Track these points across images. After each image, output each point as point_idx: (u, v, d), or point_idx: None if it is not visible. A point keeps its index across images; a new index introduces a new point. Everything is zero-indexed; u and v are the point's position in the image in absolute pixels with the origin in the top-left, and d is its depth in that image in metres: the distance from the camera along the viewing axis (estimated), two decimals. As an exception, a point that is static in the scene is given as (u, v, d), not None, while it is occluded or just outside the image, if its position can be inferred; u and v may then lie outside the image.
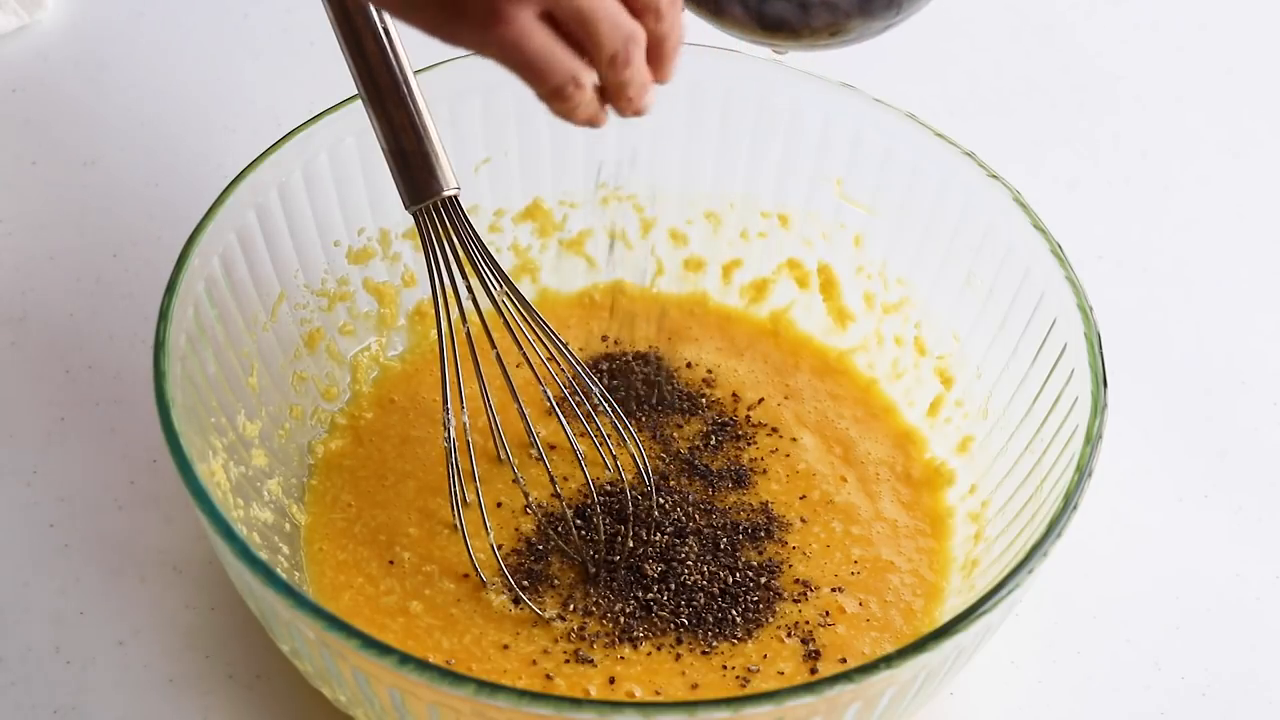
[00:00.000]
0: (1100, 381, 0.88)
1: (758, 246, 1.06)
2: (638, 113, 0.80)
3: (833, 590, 0.93)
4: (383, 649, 0.77)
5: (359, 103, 0.91)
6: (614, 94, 0.79)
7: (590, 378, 0.93)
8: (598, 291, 1.07)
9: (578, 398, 0.95)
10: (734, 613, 0.91)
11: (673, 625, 0.90)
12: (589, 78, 0.77)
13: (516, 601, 0.91)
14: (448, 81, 0.99)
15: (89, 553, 0.95)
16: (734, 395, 1.01)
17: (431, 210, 0.89)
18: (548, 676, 0.88)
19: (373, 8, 0.86)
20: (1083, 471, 0.85)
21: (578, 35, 0.76)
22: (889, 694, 0.80)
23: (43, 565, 0.94)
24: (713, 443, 0.99)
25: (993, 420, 0.97)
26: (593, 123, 0.80)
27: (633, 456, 0.95)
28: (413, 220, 0.89)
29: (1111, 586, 0.97)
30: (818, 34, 0.80)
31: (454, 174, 0.89)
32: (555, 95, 0.77)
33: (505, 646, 0.89)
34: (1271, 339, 1.10)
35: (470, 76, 1.00)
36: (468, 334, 0.91)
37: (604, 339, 1.04)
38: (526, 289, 1.05)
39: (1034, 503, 0.89)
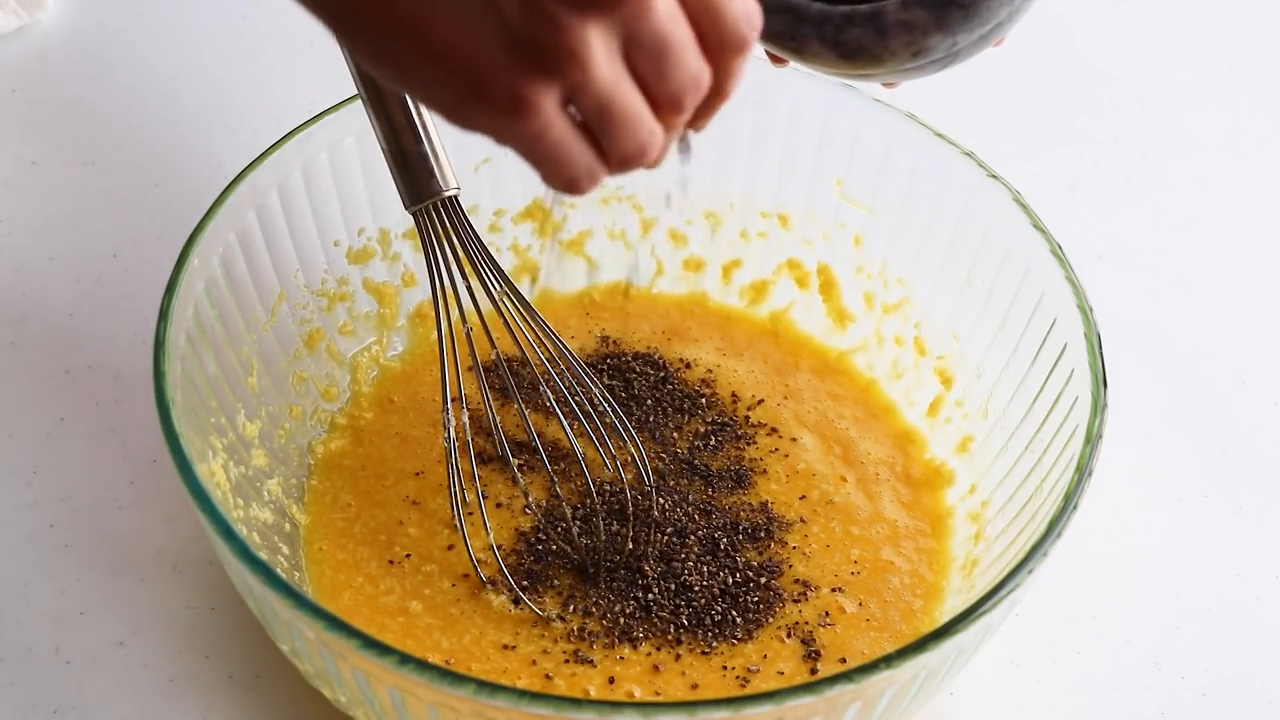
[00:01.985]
0: (1100, 381, 0.88)
1: (758, 246, 1.06)
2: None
3: (833, 590, 0.93)
4: (383, 649, 0.77)
5: (359, 103, 0.91)
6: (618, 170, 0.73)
7: (590, 378, 0.93)
8: (598, 291, 1.07)
9: (578, 398, 0.95)
10: (734, 613, 0.91)
11: (673, 625, 0.90)
12: (603, 171, 0.71)
13: (516, 601, 0.91)
14: (448, 81, 0.99)
15: (89, 553, 0.95)
16: (734, 395, 1.01)
17: (431, 210, 0.89)
18: (547, 676, 0.88)
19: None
20: (1083, 471, 0.85)
21: (594, 128, 0.69)
22: (889, 694, 0.80)
23: (43, 565, 0.94)
24: (713, 443, 0.99)
25: (993, 420, 0.97)
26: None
27: (633, 456, 0.95)
28: (413, 220, 0.89)
29: (1111, 586, 0.97)
30: (899, 56, 0.79)
31: (454, 174, 0.89)
32: (566, 187, 0.70)
33: (505, 646, 0.89)
34: (1271, 339, 1.10)
35: (470, 76, 1.00)
36: (468, 334, 0.91)
37: (604, 339, 1.04)
38: (526, 289, 1.05)
39: (1034, 503, 0.89)
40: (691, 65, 0.69)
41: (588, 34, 0.65)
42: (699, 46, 0.69)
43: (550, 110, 0.67)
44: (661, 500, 0.95)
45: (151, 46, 1.21)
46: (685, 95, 0.69)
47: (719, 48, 0.69)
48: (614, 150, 0.70)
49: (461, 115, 0.68)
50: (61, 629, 0.92)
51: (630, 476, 0.96)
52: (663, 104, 0.69)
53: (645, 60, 0.67)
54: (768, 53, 0.87)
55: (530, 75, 0.66)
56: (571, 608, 0.91)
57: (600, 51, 0.66)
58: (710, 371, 1.03)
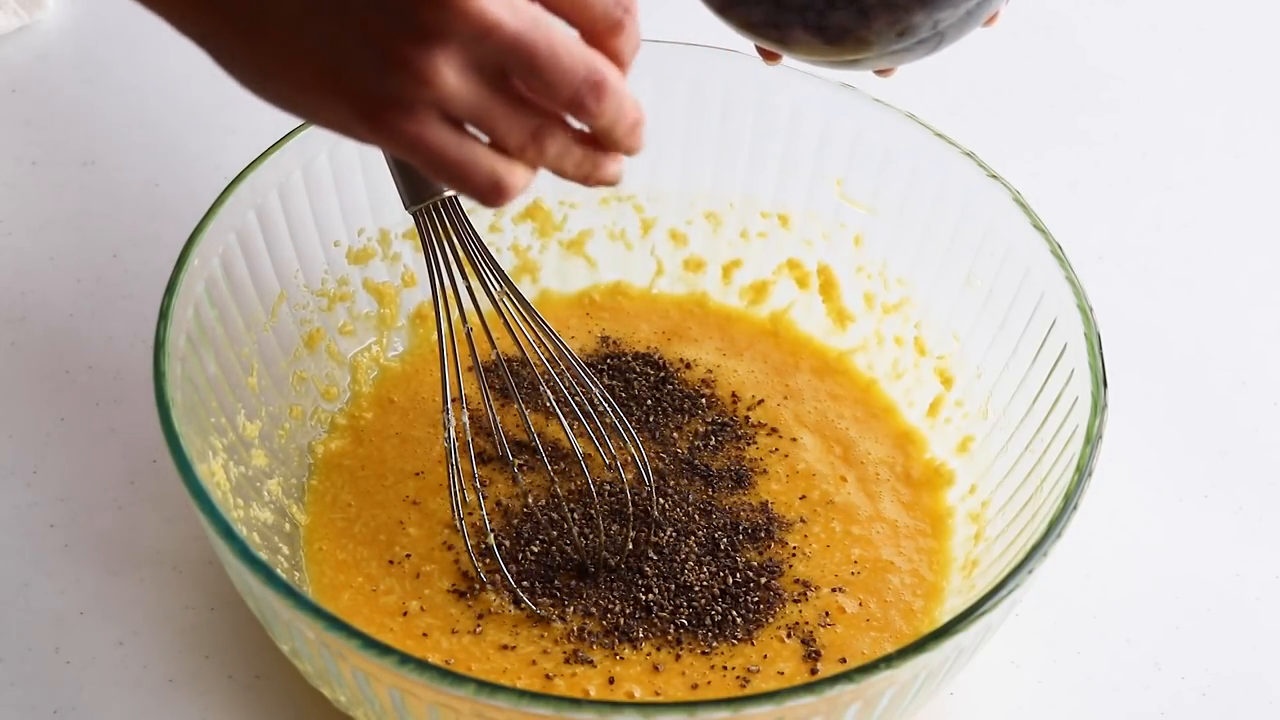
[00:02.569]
0: (1100, 381, 0.88)
1: (758, 246, 1.06)
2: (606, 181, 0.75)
3: (833, 590, 0.93)
4: (383, 649, 0.77)
5: (359, 103, 0.91)
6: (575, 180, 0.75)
7: (590, 378, 0.93)
8: (598, 292, 1.07)
9: (578, 398, 0.95)
10: (734, 613, 0.91)
11: (673, 625, 0.90)
12: (519, 174, 0.73)
13: (516, 601, 0.91)
14: (448, 81, 0.99)
15: (89, 553, 0.95)
16: (734, 395, 1.01)
17: (431, 210, 0.89)
18: (547, 676, 0.88)
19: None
20: (1083, 471, 0.85)
21: (485, 133, 0.72)
22: (889, 694, 0.80)
23: (43, 565, 0.94)
24: (713, 443, 0.99)
25: (993, 420, 0.97)
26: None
27: (633, 456, 0.95)
28: (413, 220, 0.89)
29: (1112, 586, 0.97)
30: (884, 37, 0.78)
31: (454, 174, 0.89)
32: (480, 199, 0.72)
33: (505, 646, 0.89)
34: (1271, 339, 1.10)
35: (470, 76, 1.00)
36: (468, 334, 0.91)
37: (604, 339, 1.04)
38: (526, 289, 1.05)
39: (1034, 503, 0.89)
40: (575, 70, 0.70)
41: (431, 58, 0.69)
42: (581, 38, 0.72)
43: (420, 126, 0.70)
44: (661, 500, 0.95)
45: (151, 46, 1.21)
46: (583, 98, 0.71)
47: (593, 35, 0.72)
48: (512, 143, 0.72)
49: (350, 133, 0.72)
50: (61, 629, 0.92)
51: (630, 476, 0.96)
52: (568, 108, 0.71)
53: (521, 71, 0.70)
54: (759, 49, 0.86)
55: (392, 100, 0.70)
56: (571, 608, 0.91)
57: (448, 70, 0.69)
58: (710, 371, 1.03)
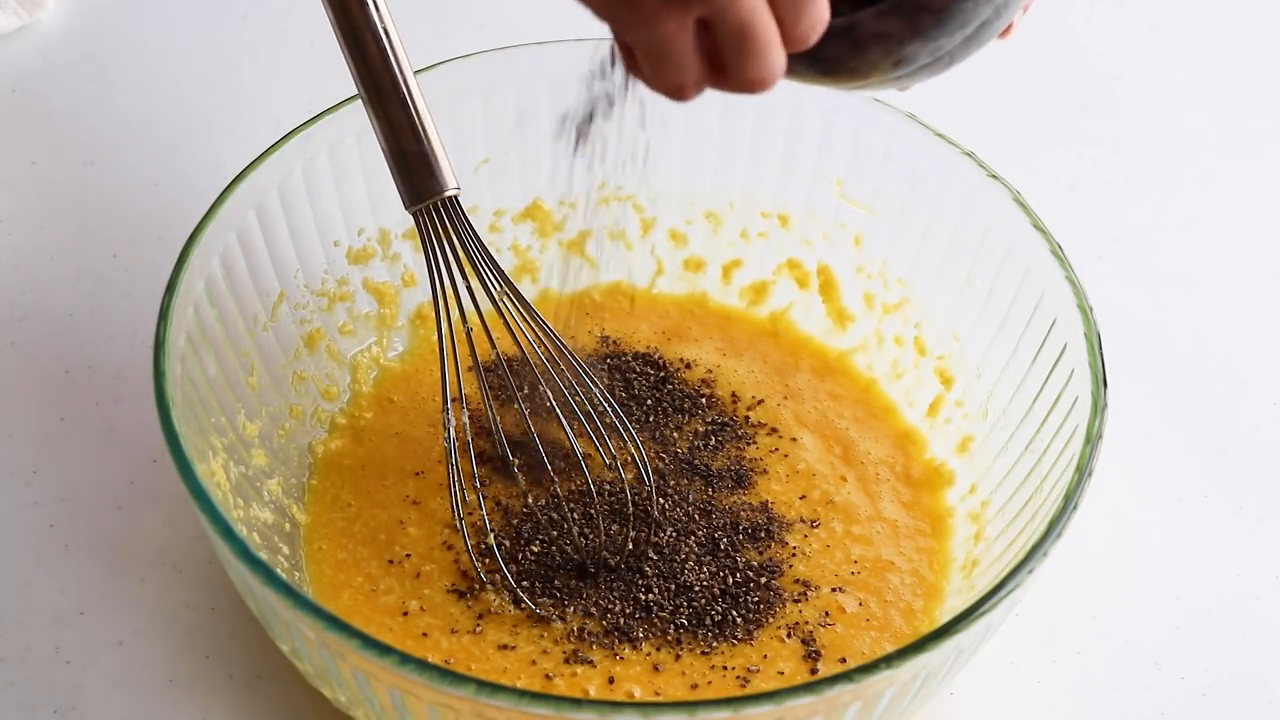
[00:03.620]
0: (1100, 381, 0.88)
1: (758, 247, 1.06)
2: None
3: (833, 590, 0.93)
4: (383, 649, 0.77)
5: (359, 103, 0.91)
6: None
7: (590, 378, 0.93)
8: (598, 291, 1.07)
9: (578, 398, 0.95)
10: (734, 613, 0.91)
11: (673, 625, 0.90)
12: (707, 85, 0.76)
13: (516, 601, 0.91)
14: (448, 81, 0.99)
15: (89, 553, 0.95)
16: (734, 395, 1.01)
17: (431, 210, 0.89)
18: (547, 676, 0.88)
19: (372, 7, 0.86)
20: (1083, 471, 0.85)
21: (729, 50, 0.74)
22: (889, 694, 0.80)
23: (43, 565, 0.94)
24: (713, 443, 0.99)
25: (993, 420, 0.97)
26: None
27: (633, 456, 0.95)
28: (413, 220, 0.89)
29: (1111, 586, 0.97)
30: (879, 67, 0.77)
31: (454, 174, 0.89)
32: (672, 93, 0.76)
33: (505, 646, 0.89)
34: (1271, 339, 1.10)
35: (470, 76, 1.01)
36: (468, 334, 0.91)
37: (604, 339, 1.04)
38: (526, 289, 1.05)
39: (1034, 503, 0.89)
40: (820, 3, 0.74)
41: None
42: None
43: (683, 26, 0.73)
44: (661, 500, 0.95)
45: (151, 46, 1.21)
46: (813, 31, 0.74)
47: None
48: (742, 74, 0.75)
49: (607, 13, 0.74)
50: (61, 629, 0.92)
51: (630, 476, 0.96)
52: (792, 40, 0.74)
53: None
54: None
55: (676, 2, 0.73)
56: (571, 608, 0.91)
57: None
58: (710, 371, 1.03)
